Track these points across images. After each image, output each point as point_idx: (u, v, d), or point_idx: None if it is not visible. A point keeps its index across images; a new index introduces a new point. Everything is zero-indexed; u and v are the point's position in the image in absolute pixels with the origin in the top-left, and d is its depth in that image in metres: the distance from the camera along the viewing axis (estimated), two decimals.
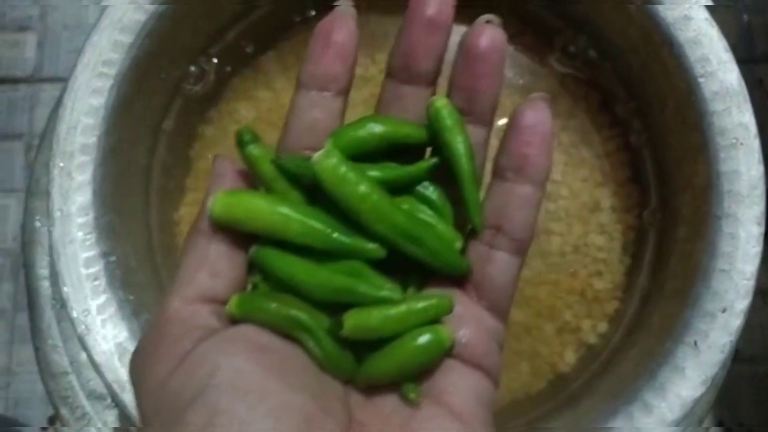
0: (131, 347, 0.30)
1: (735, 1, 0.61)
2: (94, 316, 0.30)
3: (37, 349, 0.39)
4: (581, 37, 0.38)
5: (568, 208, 0.37)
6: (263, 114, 0.39)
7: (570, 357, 0.36)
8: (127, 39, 0.32)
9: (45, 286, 0.39)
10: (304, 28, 0.40)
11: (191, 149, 0.39)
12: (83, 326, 0.30)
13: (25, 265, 0.40)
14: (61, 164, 0.31)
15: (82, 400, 0.38)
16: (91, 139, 0.32)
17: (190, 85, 0.38)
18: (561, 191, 0.37)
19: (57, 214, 0.31)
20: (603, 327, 0.36)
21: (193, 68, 0.38)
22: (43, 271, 0.39)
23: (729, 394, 0.61)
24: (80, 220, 0.31)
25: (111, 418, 0.37)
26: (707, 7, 0.32)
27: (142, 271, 0.34)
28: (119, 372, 0.30)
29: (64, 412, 0.38)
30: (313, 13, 0.40)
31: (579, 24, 0.38)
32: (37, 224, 0.40)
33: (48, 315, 0.39)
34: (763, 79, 0.62)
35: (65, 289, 0.30)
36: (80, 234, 0.31)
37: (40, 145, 0.41)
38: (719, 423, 0.61)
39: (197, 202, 0.38)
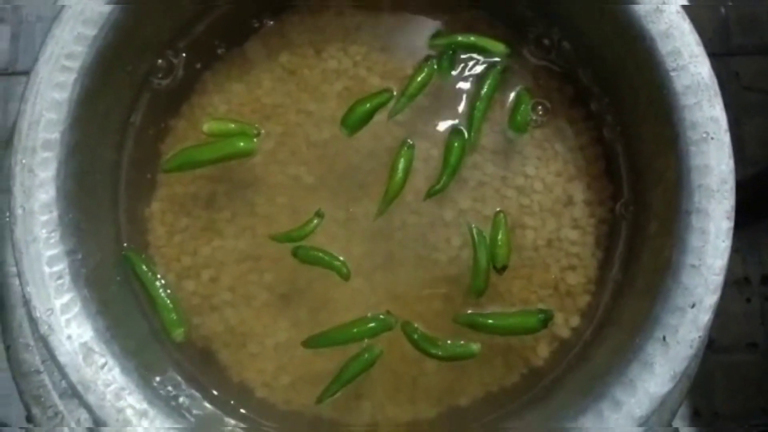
0: (96, 347, 0.30)
1: None
2: (58, 316, 0.29)
3: (8, 348, 0.38)
4: (554, 29, 0.38)
5: (541, 202, 0.37)
6: (235, 107, 0.39)
7: (543, 351, 0.36)
8: (91, 31, 0.32)
9: (15, 283, 0.38)
10: (268, 30, 0.39)
11: (162, 143, 0.38)
12: (46, 326, 0.29)
13: None
14: (23, 160, 0.30)
15: (55, 399, 0.37)
16: (54, 135, 0.31)
17: (159, 79, 0.38)
18: (534, 185, 0.37)
19: (19, 211, 0.30)
20: (575, 321, 0.36)
21: (160, 61, 0.37)
22: (13, 268, 0.38)
23: (704, 383, 0.62)
24: (43, 217, 0.30)
25: (84, 416, 0.37)
26: (683, 6, 0.32)
27: (109, 268, 0.34)
28: (84, 372, 0.29)
29: (36, 411, 0.37)
30: (271, 23, 0.39)
31: (552, 16, 0.37)
32: (7, 220, 0.39)
33: (19, 313, 0.38)
34: (739, 72, 0.62)
35: (28, 288, 0.29)
36: (43, 232, 0.30)
37: (10, 141, 0.40)
38: (695, 412, 0.61)
39: (170, 198, 0.37)
